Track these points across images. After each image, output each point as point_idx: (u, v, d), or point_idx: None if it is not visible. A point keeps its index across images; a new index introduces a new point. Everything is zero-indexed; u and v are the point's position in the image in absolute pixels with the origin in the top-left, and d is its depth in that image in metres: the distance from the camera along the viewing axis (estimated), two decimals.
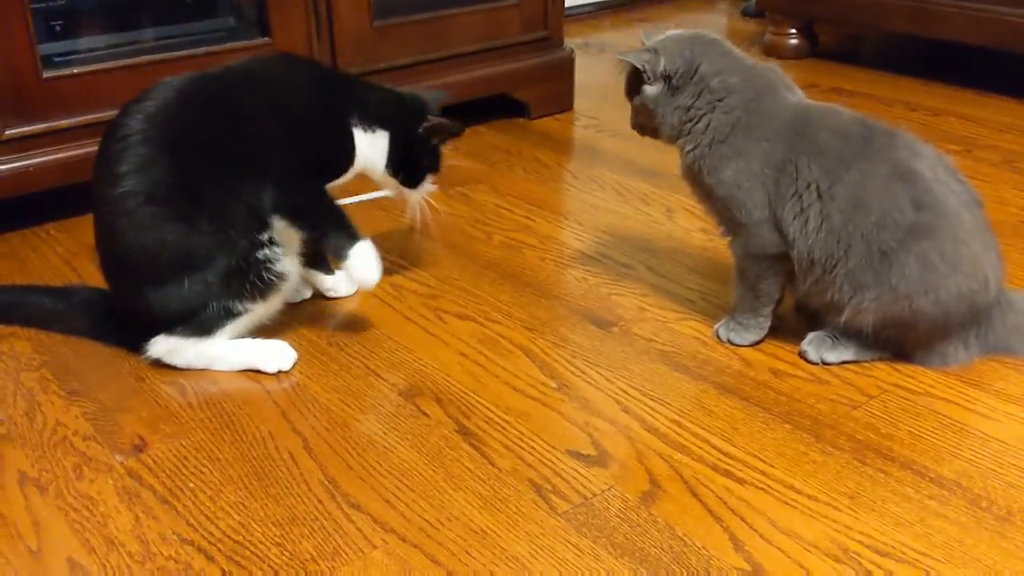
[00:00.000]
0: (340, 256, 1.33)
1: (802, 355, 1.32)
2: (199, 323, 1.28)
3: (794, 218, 1.24)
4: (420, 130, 1.43)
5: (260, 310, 1.32)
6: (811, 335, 1.32)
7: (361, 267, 1.33)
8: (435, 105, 1.50)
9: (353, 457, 1.15)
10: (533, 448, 1.16)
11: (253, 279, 1.28)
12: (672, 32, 1.33)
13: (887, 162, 1.23)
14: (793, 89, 1.31)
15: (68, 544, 1.02)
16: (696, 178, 1.31)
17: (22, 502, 1.09)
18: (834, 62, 2.73)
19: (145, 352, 1.31)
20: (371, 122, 1.41)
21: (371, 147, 1.42)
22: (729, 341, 1.36)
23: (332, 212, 1.34)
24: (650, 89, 1.29)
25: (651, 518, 1.04)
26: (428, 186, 1.50)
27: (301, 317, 1.45)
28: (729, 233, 1.32)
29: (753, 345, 1.36)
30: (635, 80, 1.31)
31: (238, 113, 1.31)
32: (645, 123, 1.34)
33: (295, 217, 1.31)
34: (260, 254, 1.28)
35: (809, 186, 1.23)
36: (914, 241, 1.20)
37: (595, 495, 1.08)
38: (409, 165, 1.46)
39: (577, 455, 1.15)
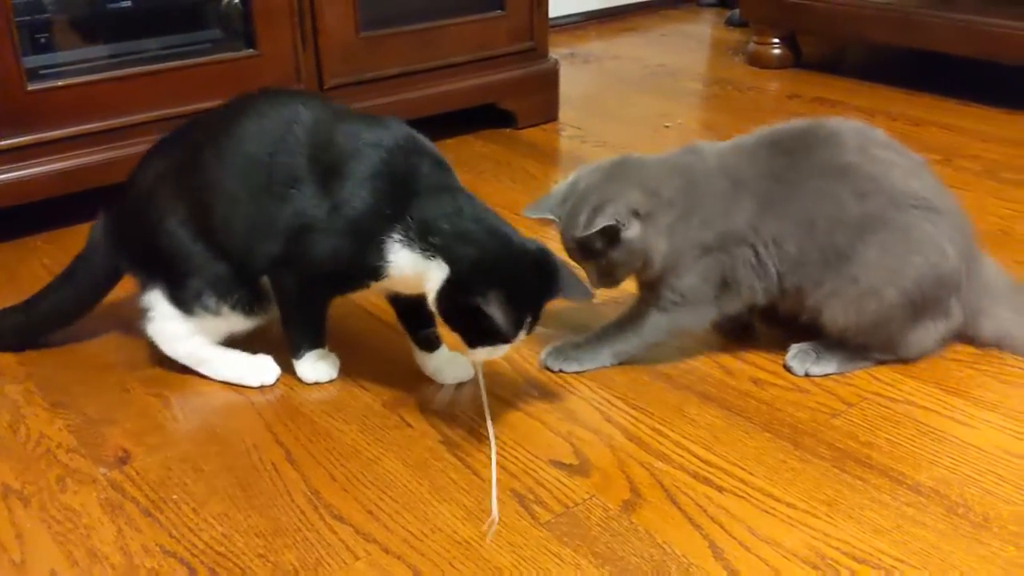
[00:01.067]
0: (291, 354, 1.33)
1: (787, 368, 1.32)
2: (182, 295, 1.28)
3: (752, 278, 1.26)
4: (473, 301, 1.10)
5: (237, 322, 1.31)
6: (795, 348, 1.33)
7: (301, 370, 1.32)
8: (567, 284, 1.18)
9: (337, 468, 1.15)
10: (516, 458, 1.17)
11: (238, 297, 1.28)
12: (580, 174, 1.30)
13: (814, 172, 1.24)
14: (704, 150, 1.31)
15: (51, 556, 1.03)
16: (655, 279, 1.29)
17: (5, 514, 1.09)
18: (817, 72, 2.75)
19: (145, 323, 1.31)
20: (429, 247, 1.16)
21: (415, 271, 1.18)
22: (561, 370, 1.33)
23: (302, 316, 1.31)
24: (631, 232, 1.23)
25: (632, 526, 1.05)
26: (483, 353, 1.18)
27: None
28: (662, 309, 1.30)
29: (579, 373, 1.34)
30: (595, 241, 1.24)
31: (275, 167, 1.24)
32: (625, 272, 1.28)
33: (274, 293, 1.29)
34: (249, 287, 1.29)
35: (766, 243, 1.25)
36: (867, 233, 1.22)
37: (577, 504, 1.09)
38: (461, 320, 1.16)
39: (560, 464, 1.16)
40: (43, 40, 1.78)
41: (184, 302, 1.29)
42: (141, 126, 1.76)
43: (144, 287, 1.32)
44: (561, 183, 1.33)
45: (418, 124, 2.14)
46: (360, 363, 1.37)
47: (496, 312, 1.09)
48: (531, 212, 1.33)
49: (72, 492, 1.12)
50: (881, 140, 1.28)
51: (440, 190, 1.21)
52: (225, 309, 1.29)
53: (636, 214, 1.24)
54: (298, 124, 1.24)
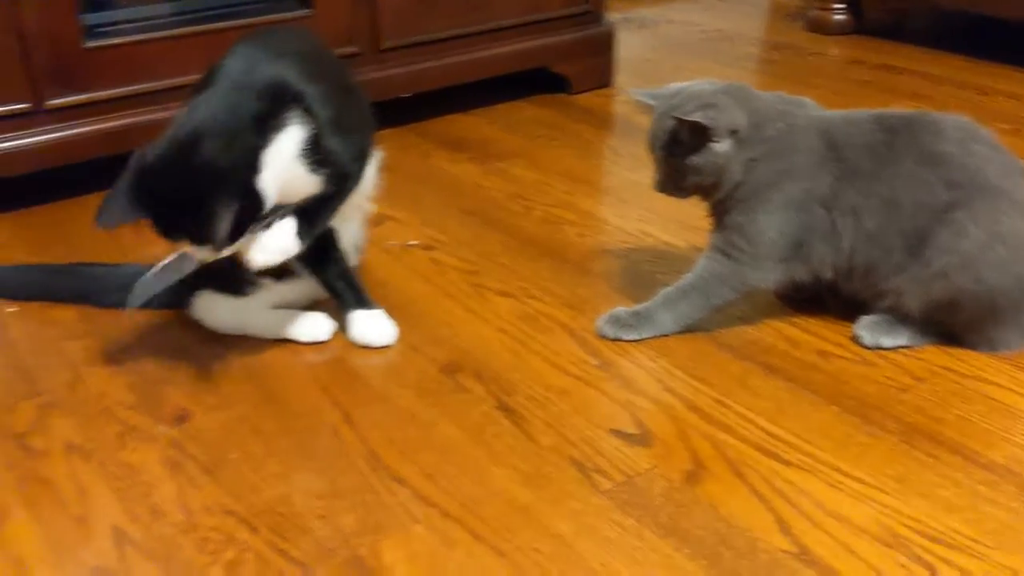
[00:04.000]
0: None
1: (856, 339, 1.29)
2: (229, 280, 1.29)
3: (824, 247, 1.24)
4: None
5: (281, 289, 1.31)
6: (865, 319, 1.29)
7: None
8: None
9: (394, 431, 1.15)
10: (575, 426, 1.15)
11: None
12: (695, 84, 1.29)
13: (911, 155, 1.22)
14: (811, 107, 1.30)
15: (112, 512, 1.03)
16: (725, 212, 1.28)
17: (67, 470, 1.09)
18: (880, 38, 2.67)
19: (189, 306, 1.33)
20: None
21: None
22: (618, 338, 1.31)
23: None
24: (720, 146, 1.23)
25: (695, 498, 1.03)
26: None
27: None
28: (729, 257, 1.27)
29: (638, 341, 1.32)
30: (683, 139, 1.23)
31: None
32: (698, 182, 1.26)
33: None
34: None
35: (845, 212, 1.23)
36: (946, 214, 1.19)
37: (638, 474, 1.07)
38: None
39: (620, 433, 1.14)
40: None
41: (237, 286, 1.29)
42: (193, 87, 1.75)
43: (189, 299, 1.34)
44: (675, 84, 1.33)
45: (470, 88, 2.14)
46: (415, 327, 1.35)
47: None
48: (636, 93, 1.33)
49: (132, 449, 1.13)
50: (984, 138, 1.24)
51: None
52: (261, 280, 1.28)
53: (733, 133, 1.23)
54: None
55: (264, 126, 1.14)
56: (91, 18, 1.73)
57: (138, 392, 1.23)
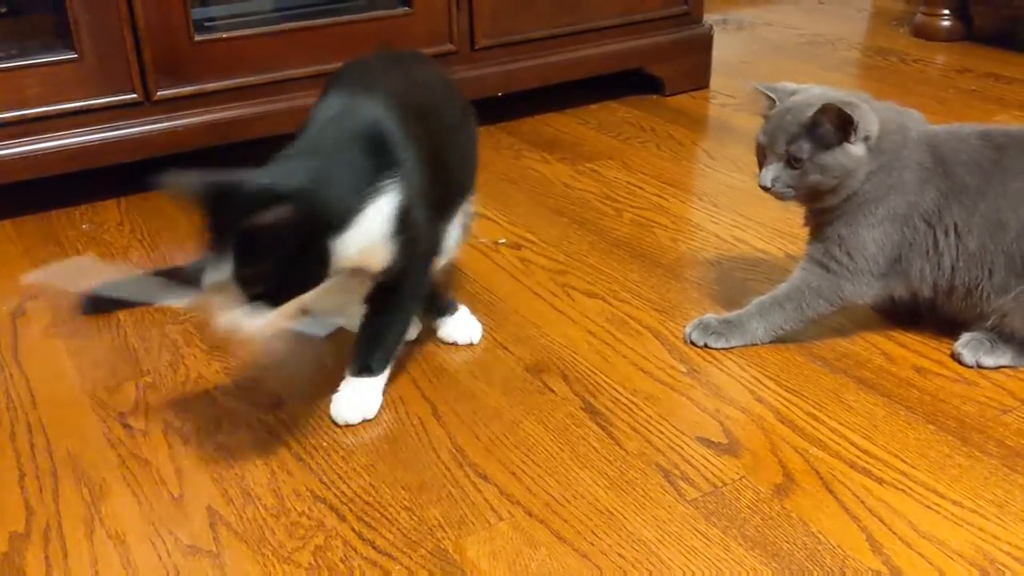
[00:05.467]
0: None
1: (956, 357, 1.25)
2: None
3: (924, 264, 1.22)
4: None
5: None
6: (966, 336, 1.25)
7: None
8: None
9: (480, 428, 1.15)
10: (661, 432, 1.14)
11: None
12: (813, 87, 1.26)
13: (1018, 174, 1.18)
14: (918, 120, 1.27)
15: (208, 493, 1.06)
16: (827, 223, 1.25)
17: (166, 450, 1.13)
18: (989, 46, 2.58)
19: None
20: None
21: None
22: (706, 345, 1.30)
23: None
24: (855, 148, 1.19)
25: (784, 512, 1.01)
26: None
27: None
28: (827, 270, 1.24)
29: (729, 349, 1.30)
30: (821, 133, 1.18)
31: None
32: (817, 184, 1.20)
33: None
34: None
35: (947, 229, 1.20)
36: None
37: (725, 484, 1.06)
38: None
39: (707, 442, 1.12)
40: None
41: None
42: (293, 81, 1.79)
43: None
44: (791, 84, 1.30)
45: (562, 87, 2.14)
46: (502, 325, 1.36)
47: None
48: (760, 85, 1.29)
49: (228, 433, 1.16)
50: None
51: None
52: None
53: (866, 139, 1.20)
54: None
55: (363, 192, 1.06)
56: (200, 13, 1.79)
57: (235, 378, 1.26)
